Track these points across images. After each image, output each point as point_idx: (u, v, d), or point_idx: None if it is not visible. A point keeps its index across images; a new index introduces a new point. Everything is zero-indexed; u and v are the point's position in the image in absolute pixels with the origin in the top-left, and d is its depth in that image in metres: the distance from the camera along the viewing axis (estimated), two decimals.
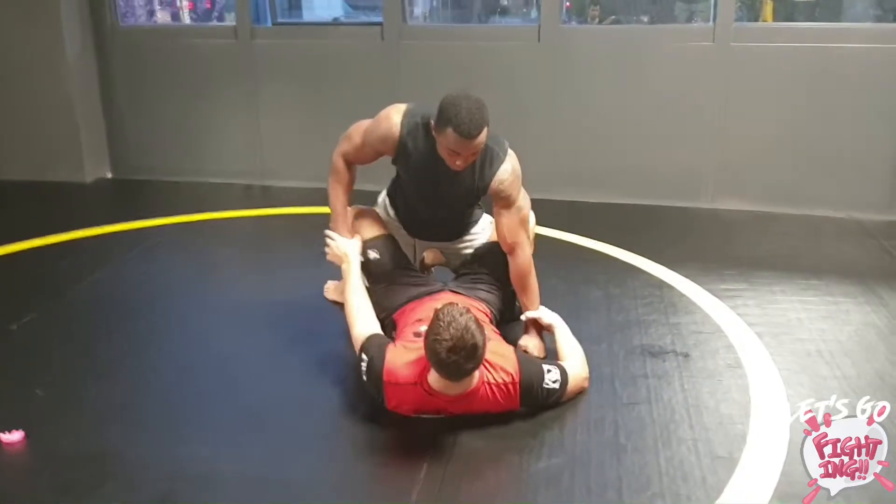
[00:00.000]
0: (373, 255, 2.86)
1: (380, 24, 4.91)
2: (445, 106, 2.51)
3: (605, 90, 4.66)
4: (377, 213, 3.03)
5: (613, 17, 5.39)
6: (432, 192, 2.81)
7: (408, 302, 2.79)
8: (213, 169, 5.32)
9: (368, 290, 2.80)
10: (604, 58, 4.65)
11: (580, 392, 2.57)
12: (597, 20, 5.30)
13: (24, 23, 5.05)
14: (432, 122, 2.57)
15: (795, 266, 3.70)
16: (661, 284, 3.51)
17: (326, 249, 2.90)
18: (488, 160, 2.71)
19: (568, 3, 5.67)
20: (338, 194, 2.92)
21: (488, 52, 4.81)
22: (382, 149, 2.78)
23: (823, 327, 3.07)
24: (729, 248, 4.01)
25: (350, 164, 2.89)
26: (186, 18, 6.79)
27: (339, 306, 2.97)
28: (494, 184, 2.72)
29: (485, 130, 2.52)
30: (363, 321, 2.59)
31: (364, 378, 2.44)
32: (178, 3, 6.88)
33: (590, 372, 2.64)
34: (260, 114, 5.18)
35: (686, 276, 3.56)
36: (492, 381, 2.37)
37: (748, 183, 4.55)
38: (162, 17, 6.61)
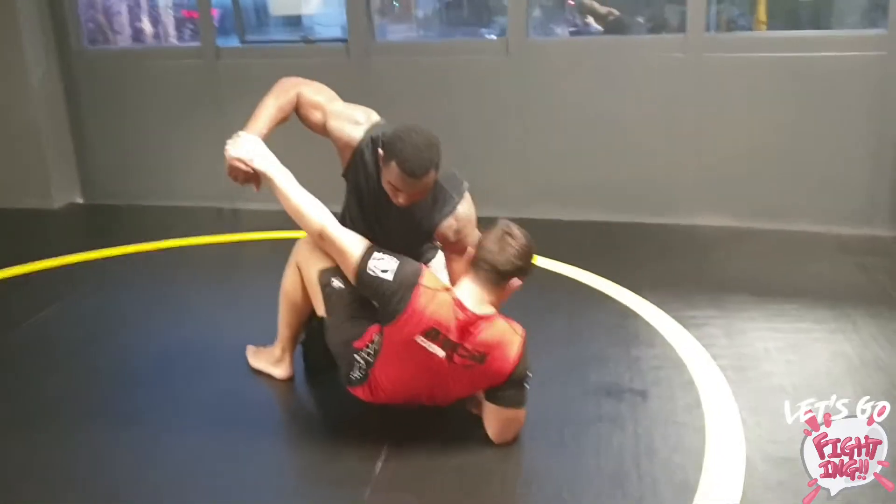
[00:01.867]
0: (337, 283, 2.57)
1: (345, 41, 4.80)
2: (393, 139, 2.35)
3: (576, 103, 4.52)
4: None
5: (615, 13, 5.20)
6: (378, 219, 2.64)
7: (368, 328, 2.57)
8: (184, 192, 5.21)
9: (324, 320, 2.61)
10: (573, 70, 4.51)
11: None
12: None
13: None
14: (380, 152, 2.42)
15: (768, 289, 3.56)
16: (627, 313, 3.37)
17: (227, 158, 2.48)
18: (441, 201, 2.56)
19: (571, 2, 5.54)
20: (269, 108, 2.55)
21: (456, 67, 4.69)
22: (338, 141, 2.60)
23: (791, 358, 2.94)
24: (702, 268, 3.87)
25: (295, 109, 2.61)
26: (171, 30, 6.68)
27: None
28: (444, 228, 2.58)
29: (432, 171, 2.36)
30: (341, 229, 2.45)
31: (388, 276, 2.34)
32: (162, 18, 6.78)
33: (539, 416, 2.51)
34: (228, 134, 5.01)
35: (654, 303, 3.43)
36: (504, 324, 2.38)
37: (725, 198, 4.40)
38: (150, 30, 6.50)
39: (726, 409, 2.61)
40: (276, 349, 2.85)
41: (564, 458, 2.40)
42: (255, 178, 2.54)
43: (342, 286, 2.57)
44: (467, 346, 2.31)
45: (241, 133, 2.53)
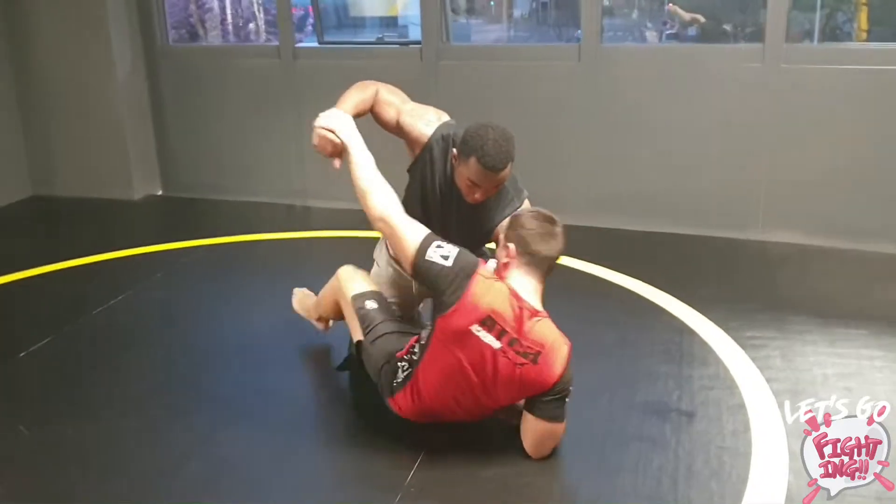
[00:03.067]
0: (370, 305, 2.68)
1: (418, 43, 4.84)
2: (470, 135, 2.44)
3: (647, 112, 4.44)
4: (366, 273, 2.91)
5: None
6: (440, 215, 2.69)
7: (409, 340, 2.59)
8: (258, 188, 5.35)
9: (359, 344, 2.65)
10: (646, 78, 4.44)
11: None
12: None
13: (76, 42, 5.21)
14: (454, 150, 2.50)
15: (835, 311, 3.42)
16: (684, 329, 3.30)
17: (316, 129, 2.51)
18: (503, 202, 2.63)
19: (670, 6, 5.47)
20: (353, 97, 2.63)
21: (527, 72, 4.66)
22: (409, 137, 2.67)
23: (850, 386, 2.82)
24: (768, 287, 3.75)
25: (371, 106, 2.69)
26: (262, 28, 6.86)
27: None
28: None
29: (509, 165, 2.45)
30: (405, 216, 2.44)
31: (447, 262, 2.31)
32: (254, 16, 6.98)
33: (580, 430, 2.49)
34: (303, 133, 5.11)
35: (713, 320, 3.34)
36: (554, 326, 2.36)
37: (797, 214, 4.25)
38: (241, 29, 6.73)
39: (774, 435, 2.53)
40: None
41: (601, 474, 2.36)
42: (340, 152, 2.55)
43: (376, 307, 2.66)
44: (523, 341, 2.29)
45: (332, 109, 2.58)
